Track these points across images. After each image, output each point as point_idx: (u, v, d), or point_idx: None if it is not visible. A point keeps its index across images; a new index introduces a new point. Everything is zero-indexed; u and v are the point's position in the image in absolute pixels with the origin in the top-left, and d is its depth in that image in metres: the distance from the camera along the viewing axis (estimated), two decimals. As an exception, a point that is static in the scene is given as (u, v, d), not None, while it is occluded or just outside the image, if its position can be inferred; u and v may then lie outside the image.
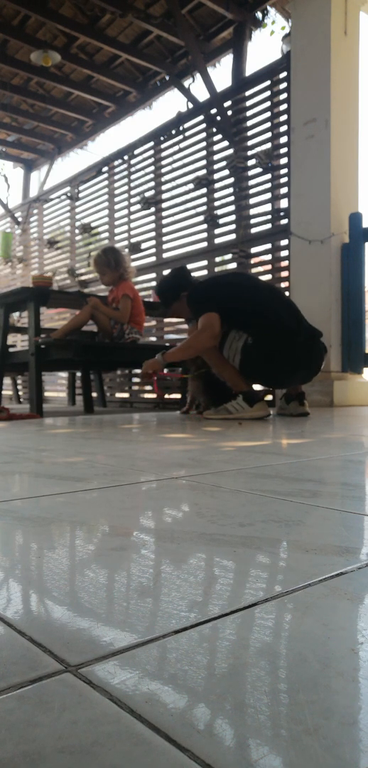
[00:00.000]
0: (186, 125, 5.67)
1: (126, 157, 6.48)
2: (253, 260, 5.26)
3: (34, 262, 8.26)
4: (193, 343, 3.34)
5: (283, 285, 4.76)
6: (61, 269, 7.57)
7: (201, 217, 5.54)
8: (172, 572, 0.69)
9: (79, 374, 5.67)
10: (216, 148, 5.43)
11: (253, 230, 5.10)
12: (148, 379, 3.55)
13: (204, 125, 5.50)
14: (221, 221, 5.36)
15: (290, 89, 4.61)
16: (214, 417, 3.28)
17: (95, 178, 6.95)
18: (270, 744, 0.36)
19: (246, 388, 3.28)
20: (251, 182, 5.12)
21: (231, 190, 5.29)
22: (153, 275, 6.15)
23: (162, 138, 5.97)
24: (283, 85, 4.77)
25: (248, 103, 5.13)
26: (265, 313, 3.25)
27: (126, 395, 6.43)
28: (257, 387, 3.62)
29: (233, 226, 5.26)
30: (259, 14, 5.43)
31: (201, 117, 5.48)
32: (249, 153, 5.08)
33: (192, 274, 5.84)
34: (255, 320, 3.24)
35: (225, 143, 5.28)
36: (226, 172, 5.30)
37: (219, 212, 5.40)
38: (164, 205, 6.00)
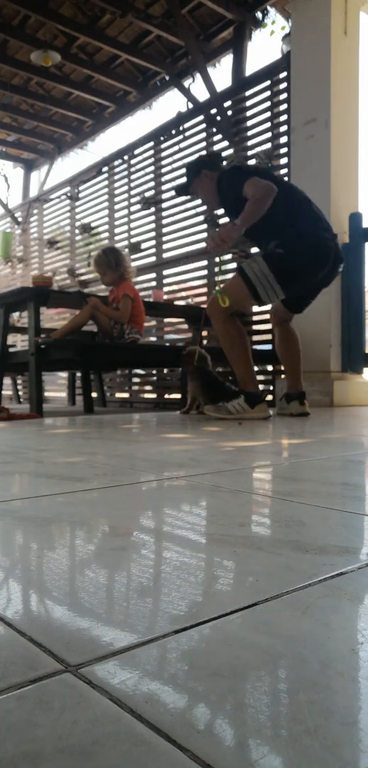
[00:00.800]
0: (186, 125, 5.67)
1: (126, 157, 6.48)
2: (253, 260, 5.25)
3: (34, 262, 8.26)
4: (257, 193, 3.05)
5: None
6: (61, 269, 7.57)
7: (201, 217, 5.54)
8: (171, 572, 0.69)
9: (79, 374, 5.67)
10: (216, 148, 5.43)
11: (253, 230, 5.10)
12: (220, 248, 3.17)
13: (204, 125, 5.51)
14: (221, 221, 5.35)
15: (290, 89, 4.61)
16: (214, 414, 3.27)
17: (95, 178, 6.95)
18: (270, 744, 0.36)
19: (251, 389, 3.27)
20: (251, 182, 5.12)
21: (231, 190, 5.28)
22: (153, 275, 6.16)
23: (162, 138, 5.97)
24: (283, 85, 4.77)
25: (248, 103, 5.13)
26: (308, 203, 3.25)
27: (126, 395, 6.44)
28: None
29: (233, 226, 5.25)
30: (259, 14, 5.43)
31: (201, 117, 5.48)
32: (249, 153, 5.08)
33: (192, 274, 5.89)
34: (296, 209, 3.19)
35: (225, 143, 5.28)
36: (226, 172, 5.30)
37: (219, 212, 5.40)
38: (164, 205, 6.00)
